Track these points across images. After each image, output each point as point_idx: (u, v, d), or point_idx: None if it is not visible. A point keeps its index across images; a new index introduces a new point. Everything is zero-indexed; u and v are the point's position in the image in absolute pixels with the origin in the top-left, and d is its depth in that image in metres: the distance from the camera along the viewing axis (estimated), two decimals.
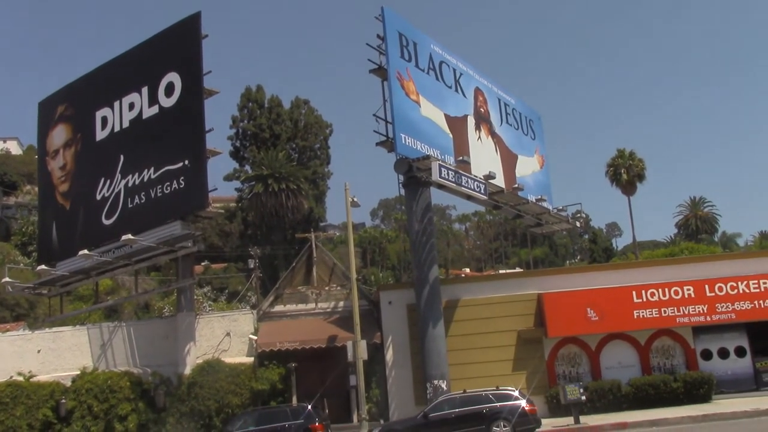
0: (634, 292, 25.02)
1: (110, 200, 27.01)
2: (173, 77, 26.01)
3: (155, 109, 26.39)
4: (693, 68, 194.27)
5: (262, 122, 64.18)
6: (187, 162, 24.97)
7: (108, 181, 27.24)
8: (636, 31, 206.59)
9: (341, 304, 28.17)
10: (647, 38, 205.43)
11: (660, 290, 24.96)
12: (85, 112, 28.89)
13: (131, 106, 27.29)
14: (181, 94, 25.70)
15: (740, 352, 25.40)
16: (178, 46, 26.28)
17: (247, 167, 63.59)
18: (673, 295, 24.90)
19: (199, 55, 25.55)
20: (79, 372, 25.50)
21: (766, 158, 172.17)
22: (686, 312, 24.80)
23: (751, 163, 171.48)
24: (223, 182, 63.92)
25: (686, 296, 24.85)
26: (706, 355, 25.46)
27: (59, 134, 30.05)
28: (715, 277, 25.04)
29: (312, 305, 28.42)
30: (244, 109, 65.42)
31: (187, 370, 25.05)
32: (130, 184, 26.50)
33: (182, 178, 24.93)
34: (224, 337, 26.96)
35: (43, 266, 27.68)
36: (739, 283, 24.83)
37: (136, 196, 26.21)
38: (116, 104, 27.72)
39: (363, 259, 74.74)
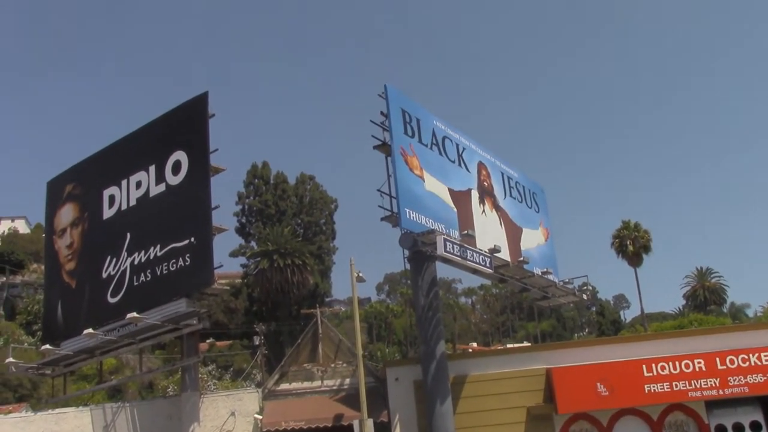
0: (644, 366, 24.56)
1: (116, 278, 26.99)
2: (180, 155, 26.32)
3: (162, 187, 26.63)
4: (697, 140, 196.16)
5: (268, 198, 64.72)
6: (193, 239, 25.02)
7: (114, 259, 27.27)
8: (639, 104, 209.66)
9: (347, 381, 27.74)
10: (650, 111, 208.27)
11: (671, 363, 24.50)
12: (92, 191, 29.16)
13: (138, 185, 27.55)
14: (187, 172, 25.97)
15: (755, 426, 24.74)
16: (186, 125, 26.68)
17: (253, 243, 63.78)
18: (684, 369, 24.42)
19: (206, 134, 25.92)
20: None
21: None
22: (698, 386, 24.26)
23: (756, 233, 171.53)
24: (228, 258, 64.04)
25: (697, 369, 24.36)
26: (721, 430, 24.79)
27: (67, 213, 30.26)
28: (726, 350, 24.59)
29: (318, 383, 27.98)
30: (250, 186, 66.07)
31: None
32: (136, 262, 26.51)
33: (188, 255, 24.94)
34: (229, 417, 26.48)
35: (47, 346, 27.48)
36: (751, 355, 24.35)
37: (142, 274, 26.18)
38: (124, 183, 28.00)
39: (369, 335, 74.03)
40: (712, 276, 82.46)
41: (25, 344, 45.46)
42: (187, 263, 24.91)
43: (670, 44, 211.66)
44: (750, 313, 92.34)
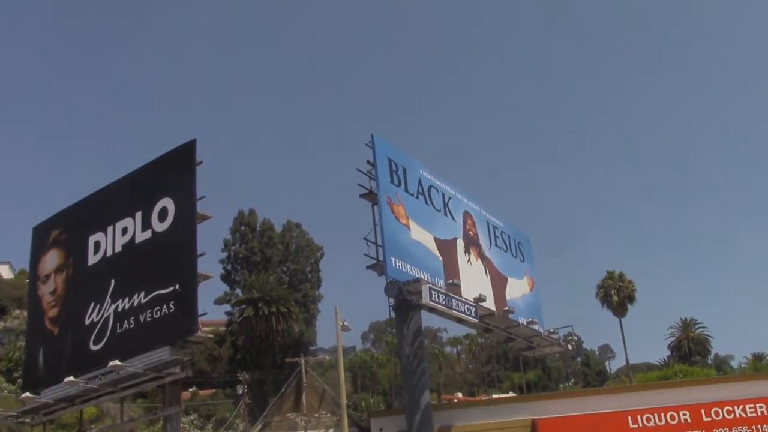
0: (630, 418, 24.42)
1: (99, 326, 26.64)
2: (167, 202, 26.26)
3: (148, 234, 26.50)
4: (681, 191, 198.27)
5: (254, 246, 64.60)
6: (177, 286, 24.81)
7: (98, 306, 26.96)
8: (624, 155, 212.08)
9: (331, 431, 27.38)
10: (635, 163, 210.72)
11: (656, 415, 24.38)
12: (78, 237, 28.97)
13: (124, 231, 27.40)
14: (174, 219, 25.87)
15: None
16: (173, 173, 26.68)
17: (238, 290, 63.41)
18: (669, 420, 24.31)
19: (193, 182, 25.90)
20: None
21: (755, 279, 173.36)
22: None
23: (740, 284, 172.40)
24: (213, 306, 63.49)
25: (683, 421, 24.26)
26: None
27: (51, 259, 30.01)
28: (711, 401, 24.53)
29: None
30: (237, 233, 65.99)
31: None
32: (119, 309, 26.22)
33: (172, 302, 24.70)
34: None
35: (27, 393, 26.96)
36: (736, 407, 24.30)
37: (125, 321, 25.87)
38: (110, 229, 27.84)
39: (353, 384, 73.35)
40: (696, 327, 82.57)
41: (5, 392, 44.63)
42: (171, 311, 24.66)
43: (655, 98, 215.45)
44: (734, 364, 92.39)
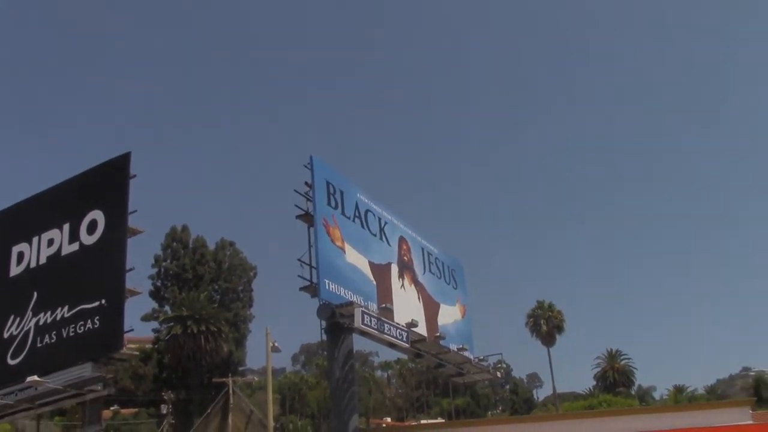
0: None
1: (18, 339, 25.69)
2: (97, 215, 25.63)
3: (75, 246, 25.78)
4: (617, 224, 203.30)
5: (186, 263, 63.43)
6: (104, 301, 24.17)
7: (18, 319, 26.02)
8: (557, 187, 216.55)
9: None
10: (568, 193, 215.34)
11: None
12: (0, 247, 27.99)
13: (50, 242, 26.60)
14: (103, 233, 25.25)
15: None
16: (105, 185, 26.08)
17: (167, 308, 62.05)
18: None
19: (126, 195, 25.36)
20: None
21: (677, 313, 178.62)
22: None
23: (664, 318, 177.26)
24: (140, 323, 61.65)
25: None
26: None
27: None
28: None
29: None
30: (168, 249, 64.70)
31: None
32: (41, 323, 25.36)
33: (97, 317, 24.04)
34: None
35: None
36: None
37: (47, 336, 25.03)
38: (35, 239, 26.98)
39: (282, 406, 72.45)
40: (621, 358, 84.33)
41: None
42: (96, 326, 23.98)
43: (594, 123, 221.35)
44: (656, 395, 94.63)
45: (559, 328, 64.16)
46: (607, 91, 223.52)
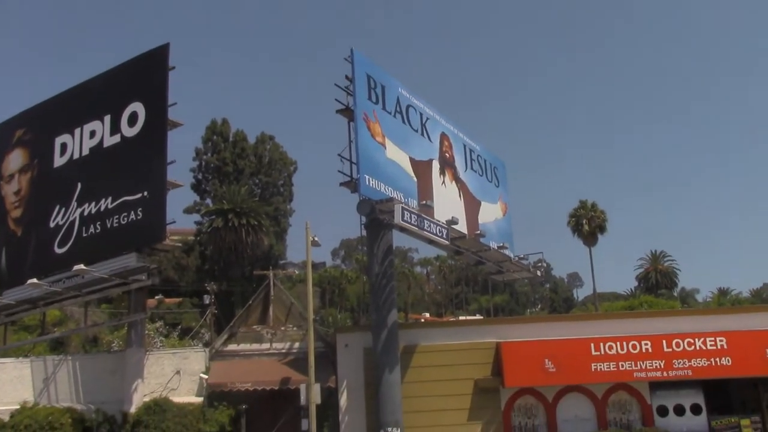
0: (592, 345, 25.11)
1: (64, 229, 26.57)
2: (137, 107, 25.87)
3: (117, 138, 26.19)
4: (660, 126, 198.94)
5: (226, 156, 63.99)
6: (146, 193, 24.72)
7: (63, 209, 26.82)
8: (606, 87, 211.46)
9: (297, 345, 27.86)
10: (615, 95, 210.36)
11: (618, 344, 25.08)
12: (44, 138, 28.54)
13: (92, 134, 27.04)
14: (144, 125, 25.56)
15: (696, 409, 25.54)
16: (145, 76, 26.20)
17: (208, 201, 63.16)
18: (630, 349, 25.04)
19: (165, 87, 25.49)
20: (18, 406, 24.71)
21: (726, 215, 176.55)
22: (643, 367, 24.91)
23: (711, 219, 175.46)
24: (182, 215, 63.21)
25: (644, 351, 24.99)
26: (663, 411, 25.56)
27: (15, 159, 29.61)
28: (672, 333, 25.24)
29: (267, 345, 28.05)
30: (209, 142, 65.21)
31: (133, 409, 24.44)
32: (85, 213, 26.12)
33: (140, 209, 24.65)
34: (174, 375, 26.44)
35: None
36: (696, 339, 25.04)
37: (92, 226, 25.82)
38: (77, 131, 27.45)
39: (322, 299, 74.24)
40: (665, 259, 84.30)
41: None
42: (139, 217, 24.64)
43: (646, 38, 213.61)
44: (699, 298, 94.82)
45: (602, 228, 63.80)
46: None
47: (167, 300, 63.57)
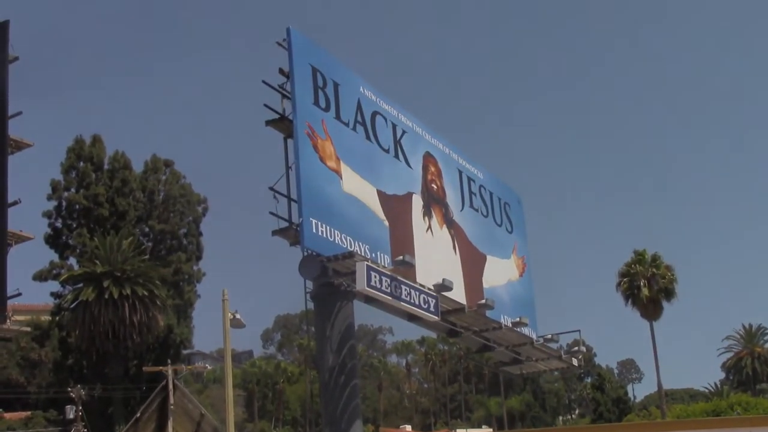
0: None
1: None
2: None
3: None
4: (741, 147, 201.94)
5: (99, 192, 63.76)
6: None
7: None
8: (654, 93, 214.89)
9: None
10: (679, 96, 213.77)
11: None
12: None
13: None
14: None
15: None
16: None
17: (72, 261, 62.77)
18: None
19: (4, 84, 25.36)
20: None
21: None
22: None
23: None
24: (31, 283, 62.69)
25: None
26: None
27: None
28: None
29: None
30: (72, 172, 64.95)
31: None
32: None
33: None
34: None
35: None
36: None
37: None
38: None
39: (248, 407, 73.75)
40: (765, 338, 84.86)
41: None
42: None
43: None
44: None
45: (668, 293, 64.25)
46: None
47: (7, 415, 62.74)
